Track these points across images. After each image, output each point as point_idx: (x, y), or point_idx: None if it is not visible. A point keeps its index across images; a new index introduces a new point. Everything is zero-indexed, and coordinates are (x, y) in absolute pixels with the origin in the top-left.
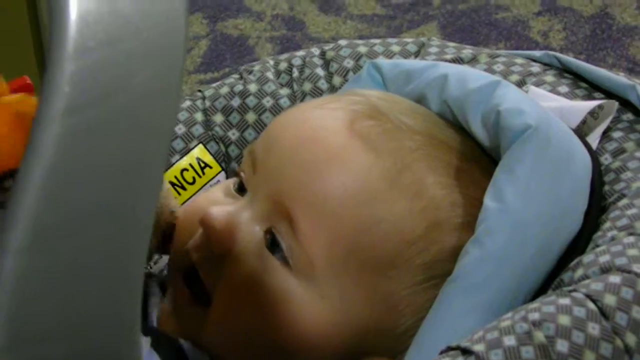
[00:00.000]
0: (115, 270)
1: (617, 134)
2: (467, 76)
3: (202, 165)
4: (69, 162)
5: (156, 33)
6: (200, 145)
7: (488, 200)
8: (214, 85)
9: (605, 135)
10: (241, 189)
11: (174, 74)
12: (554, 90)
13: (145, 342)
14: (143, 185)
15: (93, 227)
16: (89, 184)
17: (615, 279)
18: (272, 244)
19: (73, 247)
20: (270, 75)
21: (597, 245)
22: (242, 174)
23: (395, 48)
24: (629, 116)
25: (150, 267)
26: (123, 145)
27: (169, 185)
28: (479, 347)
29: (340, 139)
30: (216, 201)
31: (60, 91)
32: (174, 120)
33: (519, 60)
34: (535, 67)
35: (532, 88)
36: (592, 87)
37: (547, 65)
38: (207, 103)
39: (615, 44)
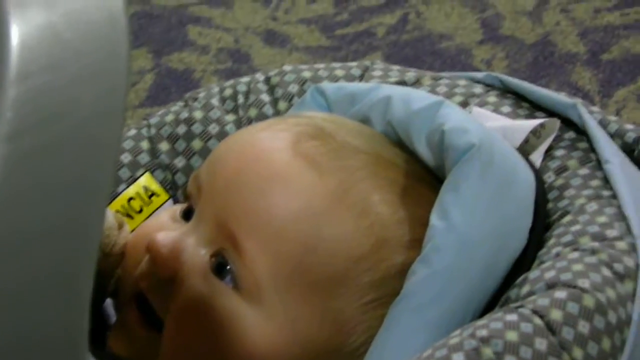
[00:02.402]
0: (60, 293)
1: (559, 152)
2: (410, 97)
3: (149, 193)
4: (11, 188)
5: (98, 57)
6: (147, 174)
7: (434, 219)
8: (159, 113)
9: (548, 153)
10: (187, 214)
11: (117, 97)
12: (496, 111)
13: None
14: (88, 209)
15: (36, 252)
16: (32, 209)
17: (561, 294)
18: (219, 267)
19: (16, 271)
20: (215, 101)
21: (543, 262)
22: (188, 198)
23: (340, 72)
24: (570, 134)
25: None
26: (66, 169)
27: (119, 217)
28: None
29: (284, 158)
30: (163, 227)
31: (2, 117)
32: (119, 143)
33: (462, 82)
34: (478, 88)
35: (475, 109)
36: (534, 106)
37: (490, 86)
38: (153, 131)
39: (558, 71)
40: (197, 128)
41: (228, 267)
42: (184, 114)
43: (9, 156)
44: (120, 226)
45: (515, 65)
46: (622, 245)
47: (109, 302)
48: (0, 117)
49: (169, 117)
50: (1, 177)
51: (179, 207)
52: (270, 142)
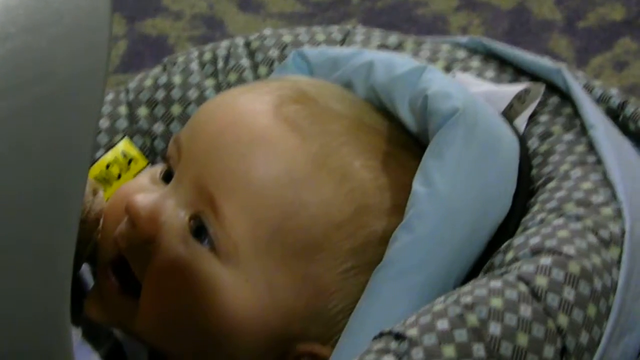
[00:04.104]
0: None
1: (543, 118)
2: (393, 62)
3: (128, 159)
4: None
5: (79, 17)
6: (126, 139)
7: (417, 185)
8: (137, 77)
9: (532, 119)
10: (167, 177)
11: (98, 58)
12: (480, 76)
13: (77, 334)
14: (70, 170)
15: (19, 214)
16: (13, 170)
17: (546, 260)
18: (198, 230)
19: None
20: (194, 66)
21: (527, 228)
22: (167, 161)
23: (321, 37)
24: (555, 99)
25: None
26: (47, 131)
27: (94, 183)
28: (412, 332)
29: (266, 121)
30: (142, 188)
31: None
32: (100, 104)
33: (445, 46)
34: (461, 53)
35: (459, 74)
36: (517, 71)
37: (473, 51)
38: (131, 96)
39: (534, 38)
40: (176, 93)
41: (207, 230)
42: (163, 79)
43: None
44: (95, 192)
45: (491, 32)
46: (607, 211)
47: (85, 268)
48: None
49: (148, 82)
50: None
51: (159, 169)
52: (252, 105)
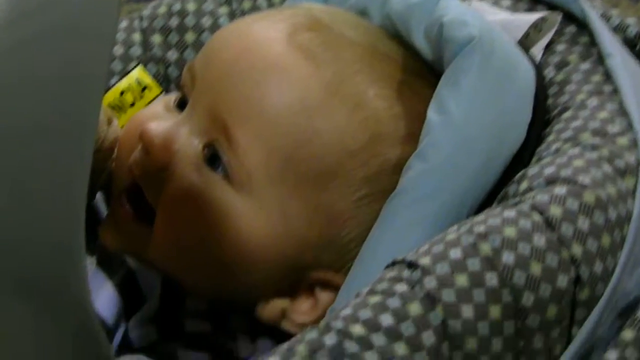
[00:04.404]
0: (57, 188)
1: (560, 47)
2: None
3: (142, 86)
4: (8, 76)
5: None
6: (140, 66)
7: (431, 113)
8: (151, 4)
9: (549, 48)
10: (181, 105)
11: None
12: (496, 4)
13: (91, 262)
14: (85, 96)
15: (34, 143)
16: (28, 97)
17: (560, 190)
18: (211, 158)
19: (12, 165)
20: None
21: (542, 158)
22: (181, 88)
23: None
24: (571, 28)
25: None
26: (63, 55)
27: (109, 111)
28: (424, 260)
29: (280, 49)
30: (156, 116)
31: None
32: (115, 30)
33: None
34: None
35: (475, 2)
36: (534, 0)
37: None
38: (145, 23)
39: None
40: (190, 20)
41: (220, 157)
42: (177, 6)
43: (3, 44)
44: (110, 121)
45: None
46: (623, 141)
47: (99, 197)
48: None
49: (162, 9)
50: None
51: (173, 97)
52: (266, 32)
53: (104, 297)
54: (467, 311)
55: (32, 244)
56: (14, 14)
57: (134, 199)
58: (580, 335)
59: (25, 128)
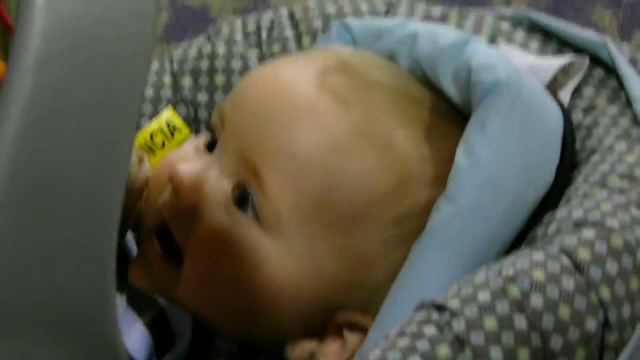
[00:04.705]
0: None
1: (588, 91)
2: (437, 34)
3: (172, 128)
4: (41, 115)
5: None
6: (170, 108)
7: (459, 156)
8: (181, 46)
9: (576, 91)
10: (211, 147)
11: (146, 22)
12: (524, 48)
13: (121, 301)
14: (117, 137)
15: (67, 181)
16: (61, 137)
17: (589, 233)
18: (241, 199)
19: (45, 203)
20: (238, 36)
21: (570, 200)
22: (211, 130)
23: (364, 8)
24: (599, 73)
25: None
26: (96, 95)
27: (140, 152)
28: (453, 303)
29: (310, 92)
30: (186, 158)
31: (32, 44)
32: (148, 68)
33: (489, 18)
34: (505, 25)
35: (503, 46)
36: (562, 44)
37: (517, 23)
38: (176, 65)
39: (578, 11)
40: (219, 63)
41: (250, 198)
42: (207, 49)
43: (37, 85)
44: (141, 161)
45: (534, 5)
46: None
47: (129, 237)
48: (29, 44)
49: (192, 52)
50: (29, 106)
51: (203, 139)
52: (296, 75)
53: (135, 337)
54: (496, 354)
55: (63, 287)
56: (50, 52)
57: (164, 238)
58: None
59: (59, 165)
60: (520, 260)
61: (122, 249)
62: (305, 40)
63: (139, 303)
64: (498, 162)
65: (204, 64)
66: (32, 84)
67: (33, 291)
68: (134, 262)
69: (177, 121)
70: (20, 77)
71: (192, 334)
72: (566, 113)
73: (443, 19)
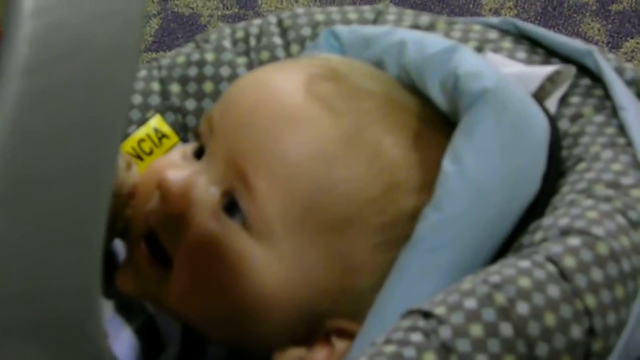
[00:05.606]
0: (74, 233)
1: (574, 99)
2: (425, 41)
3: (160, 135)
4: (27, 123)
5: None
6: (157, 115)
7: (446, 164)
8: (169, 54)
9: (563, 100)
10: (199, 154)
11: (132, 34)
12: (511, 56)
13: (108, 307)
14: (102, 146)
15: (52, 189)
16: (47, 146)
17: (574, 241)
18: (229, 206)
19: (30, 210)
20: (226, 44)
21: (556, 209)
22: (199, 137)
23: (353, 16)
24: (586, 81)
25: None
26: (80, 107)
27: (128, 157)
28: (439, 310)
29: (298, 99)
30: (174, 165)
31: (19, 51)
32: (133, 81)
33: (477, 27)
34: (493, 34)
35: (490, 54)
36: (549, 53)
37: (505, 32)
38: (164, 72)
39: (567, 21)
40: (208, 70)
41: (238, 205)
42: (195, 56)
43: (24, 92)
44: (129, 167)
45: (524, 15)
46: (636, 193)
47: (118, 244)
48: (16, 52)
49: (180, 59)
50: (15, 113)
51: (191, 146)
52: (284, 82)
53: (123, 343)
54: None
55: (48, 288)
56: (37, 61)
57: (152, 243)
58: None
59: (43, 174)
60: (507, 268)
61: (109, 255)
62: (294, 47)
63: (127, 309)
64: (485, 171)
65: (193, 71)
66: (17, 92)
67: (15, 292)
68: (121, 268)
69: (165, 128)
70: (7, 84)
71: (181, 340)
72: (553, 121)
73: (431, 27)
